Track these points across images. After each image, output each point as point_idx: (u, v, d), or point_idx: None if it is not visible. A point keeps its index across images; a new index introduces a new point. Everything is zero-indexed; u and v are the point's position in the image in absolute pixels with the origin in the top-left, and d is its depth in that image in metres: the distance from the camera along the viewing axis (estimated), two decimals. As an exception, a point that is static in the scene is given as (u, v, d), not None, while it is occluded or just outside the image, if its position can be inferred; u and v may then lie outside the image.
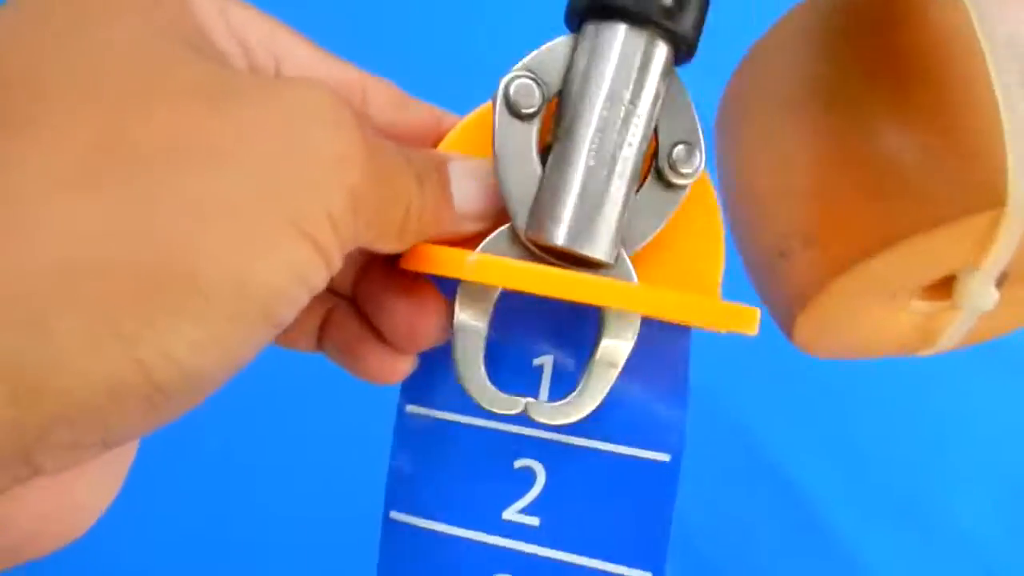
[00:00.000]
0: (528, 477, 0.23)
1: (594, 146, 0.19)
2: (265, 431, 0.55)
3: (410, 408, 0.24)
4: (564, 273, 0.20)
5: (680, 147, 0.21)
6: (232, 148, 0.15)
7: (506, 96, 0.20)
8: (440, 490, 0.23)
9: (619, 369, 0.21)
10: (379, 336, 0.23)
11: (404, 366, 0.23)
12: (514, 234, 0.20)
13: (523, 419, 0.21)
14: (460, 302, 0.21)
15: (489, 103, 0.21)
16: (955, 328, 0.27)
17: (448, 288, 0.22)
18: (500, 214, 0.21)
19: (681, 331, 0.23)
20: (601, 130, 0.19)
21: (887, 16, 0.24)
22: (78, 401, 0.14)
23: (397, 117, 0.22)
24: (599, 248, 0.20)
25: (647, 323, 0.22)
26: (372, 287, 0.23)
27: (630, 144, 0.20)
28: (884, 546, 0.49)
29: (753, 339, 0.21)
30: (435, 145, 0.23)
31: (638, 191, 0.21)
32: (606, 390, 0.21)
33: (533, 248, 0.20)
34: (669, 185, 0.21)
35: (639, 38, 0.19)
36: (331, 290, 0.24)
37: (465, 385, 0.21)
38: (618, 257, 0.21)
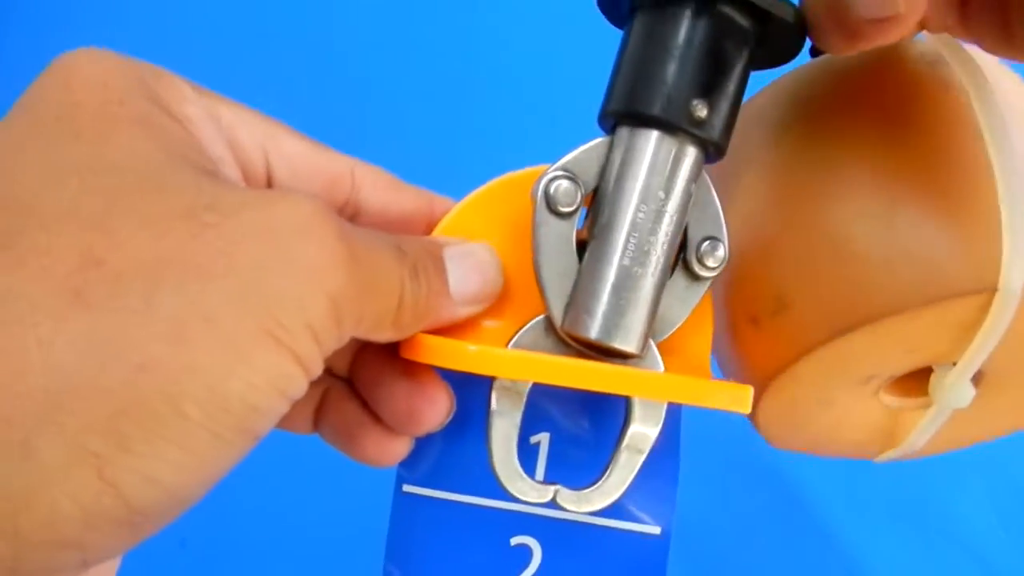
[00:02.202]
0: (525, 554, 0.23)
1: (629, 244, 0.20)
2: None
3: (407, 488, 0.24)
4: (590, 365, 0.20)
5: (707, 242, 0.21)
6: (213, 264, 0.15)
7: (546, 195, 0.21)
8: (440, 566, 0.24)
9: (645, 455, 0.22)
10: (375, 419, 0.23)
11: (401, 448, 0.23)
12: (549, 325, 0.21)
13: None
14: (497, 389, 0.21)
15: (482, 188, 0.22)
16: (924, 426, 0.26)
17: (448, 372, 0.22)
18: (498, 296, 0.22)
19: (674, 407, 0.23)
20: (635, 229, 0.20)
21: (877, 90, 0.24)
22: (55, 523, 0.14)
23: (389, 201, 0.23)
24: (630, 341, 0.21)
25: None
26: (370, 370, 0.23)
27: (662, 243, 0.21)
28: (884, 546, 0.50)
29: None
30: (429, 229, 0.23)
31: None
32: (632, 476, 0.22)
33: (567, 339, 0.21)
34: (695, 277, 0.22)
35: (671, 144, 0.20)
36: (328, 371, 0.23)
37: (499, 472, 0.21)
38: (646, 348, 0.21)
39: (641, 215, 0.20)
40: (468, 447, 0.24)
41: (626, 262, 0.20)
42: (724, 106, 0.20)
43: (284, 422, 0.23)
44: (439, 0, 0.73)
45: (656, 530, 0.24)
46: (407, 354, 0.21)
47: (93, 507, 0.14)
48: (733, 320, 0.25)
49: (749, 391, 0.21)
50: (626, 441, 0.22)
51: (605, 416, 0.25)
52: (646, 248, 0.20)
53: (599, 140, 0.21)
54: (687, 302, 0.22)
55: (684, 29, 0.20)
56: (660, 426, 0.22)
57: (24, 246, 0.14)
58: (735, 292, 0.25)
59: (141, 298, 0.15)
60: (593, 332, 0.20)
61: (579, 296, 0.21)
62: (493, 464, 0.21)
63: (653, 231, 0.20)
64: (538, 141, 0.70)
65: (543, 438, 0.24)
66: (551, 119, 0.73)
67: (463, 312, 0.21)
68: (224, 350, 0.15)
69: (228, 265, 0.15)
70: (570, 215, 0.21)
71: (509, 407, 0.21)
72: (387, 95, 0.69)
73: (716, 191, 0.22)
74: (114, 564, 0.20)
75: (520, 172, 0.23)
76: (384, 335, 0.19)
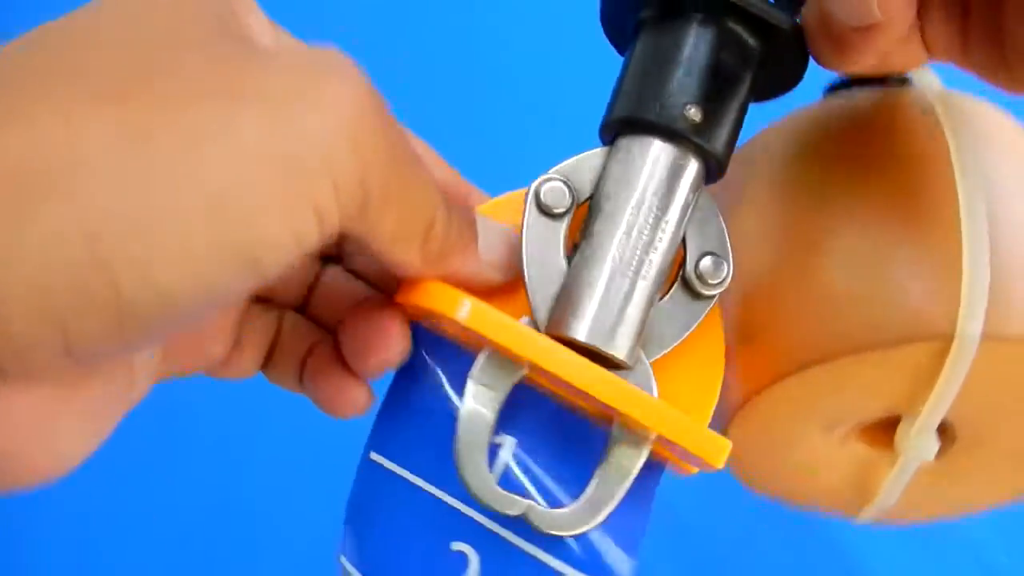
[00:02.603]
0: (461, 563, 0.22)
1: (620, 248, 0.20)
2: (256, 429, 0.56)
3: (373, 455, 0.23)
4: (587, 362, 0.19)
5: (708, 258, 0.21)
6: (253, 90, 0.16)
7: (536, 195, 0.20)
8: (384, 542, 0.22)
9: (630, 480, 0.20)
10: (338, 358, 0.23)
11: (358, 395, 0.22)
12: (534, 327, 0.20)
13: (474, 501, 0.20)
14: (473, 387, 0.20)
15: (517, 191, 0.22)
16: (893, 478, 0.26)
17: (439, 356, 0.22)
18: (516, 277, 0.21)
19: (655, 469, 0.21)
20: (628, 233, 0.20)
21: (867, 134, 0.24)
22: (41, 290, 0.14)
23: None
24: (619, 347, 0.20)
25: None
26: (334, 304, 0.23)
27: (656, 248, 0.20)
28: (884, 547, 0.48)
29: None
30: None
31: (663, 298, 0.21)
32: (615, 502, 0.20)
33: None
34: (696, 295, 0.21)
35: (670, 152, 0.20)
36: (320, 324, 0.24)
37: (464, 477, 0.20)
38: (638, 362, 0.20)
39: (633, 218, 0.20)
40: (441, 434, 0.22)
41: (617, 266, 0.20)
42: (723, 119, 0.20)
43: (277, 372, 0.23)
44: (438, 1, 0.76)
45: None
46: (406, 295, 0.20)
47: (80, 282, 0.14)
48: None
49: (726, 447, 0.19)
50: (610, 461, 0.20)
51: (578, 443, 0.22)
52: (639, 254, 0.20)
53: (597, 150, 0.21)
54: (685, 321, 0.21)
55: (686, 41, 0.20)
56: (647, 451, 0.20)
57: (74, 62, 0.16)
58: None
59: (171, 107, 0.15)
60: (580, 334, 0.20)
61: (566, 297, 0.20)
62: (459, 464, 0.20)
63: (648, 235, 0.20)
64: (538, 144, 0.71)
65: (506, 440, 0.22)
66: (552, 121, 0.74)
67: (487, 273, 0.21)
68: (238, 163, 0.15)
69: (266, 92, 0.16)
70: (560, 216, 0.21)
71: (485, 402, 0.20)
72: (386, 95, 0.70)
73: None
74: (112, 415, 0.19)
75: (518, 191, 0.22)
76: (408, 256, 0.19)
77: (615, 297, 0.20)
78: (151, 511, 0.59)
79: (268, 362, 0.24)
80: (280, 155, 0.15)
